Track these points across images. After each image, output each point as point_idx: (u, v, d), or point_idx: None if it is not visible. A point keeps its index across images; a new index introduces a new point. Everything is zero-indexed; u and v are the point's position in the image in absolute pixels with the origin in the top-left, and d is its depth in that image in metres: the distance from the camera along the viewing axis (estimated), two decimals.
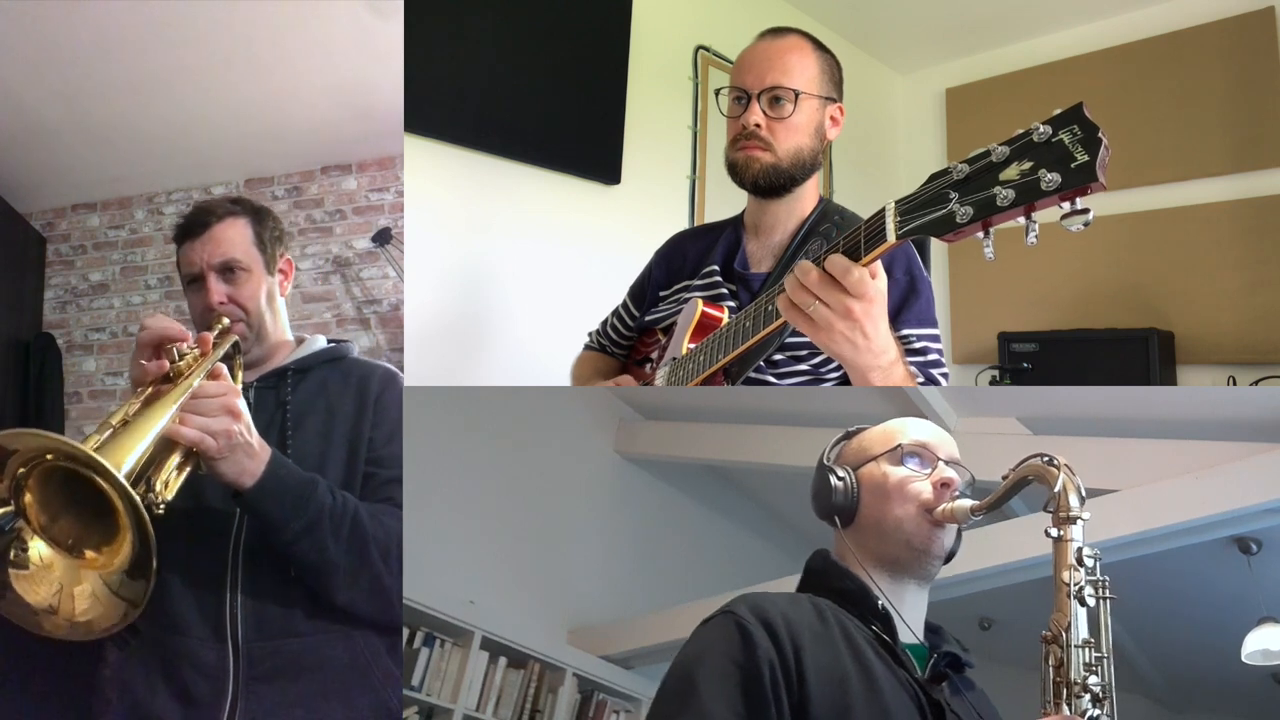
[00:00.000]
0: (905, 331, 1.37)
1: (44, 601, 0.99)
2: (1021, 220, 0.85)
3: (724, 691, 0.81)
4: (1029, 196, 0.82)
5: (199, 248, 1.38)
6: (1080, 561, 0.88)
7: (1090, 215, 0.80)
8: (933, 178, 0.91)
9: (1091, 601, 0.87)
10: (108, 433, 1.03)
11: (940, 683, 0.92)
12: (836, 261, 0.99)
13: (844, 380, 1.41)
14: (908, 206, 0.93)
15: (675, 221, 3.26)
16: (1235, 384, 3.49)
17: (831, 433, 1.09)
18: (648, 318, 1.67)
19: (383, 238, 3.62)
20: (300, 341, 1.48)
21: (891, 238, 0.94)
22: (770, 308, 1.15)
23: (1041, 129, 0.82)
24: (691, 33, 3.39)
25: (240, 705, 1.17)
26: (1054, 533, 0.90)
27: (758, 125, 1.42)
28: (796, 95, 1.42)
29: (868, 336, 1.02)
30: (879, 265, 1.02)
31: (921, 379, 1.34)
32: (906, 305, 1.39)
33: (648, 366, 1.69)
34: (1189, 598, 2.39)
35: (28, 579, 0.99)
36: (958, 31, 4.25)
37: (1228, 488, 1.74)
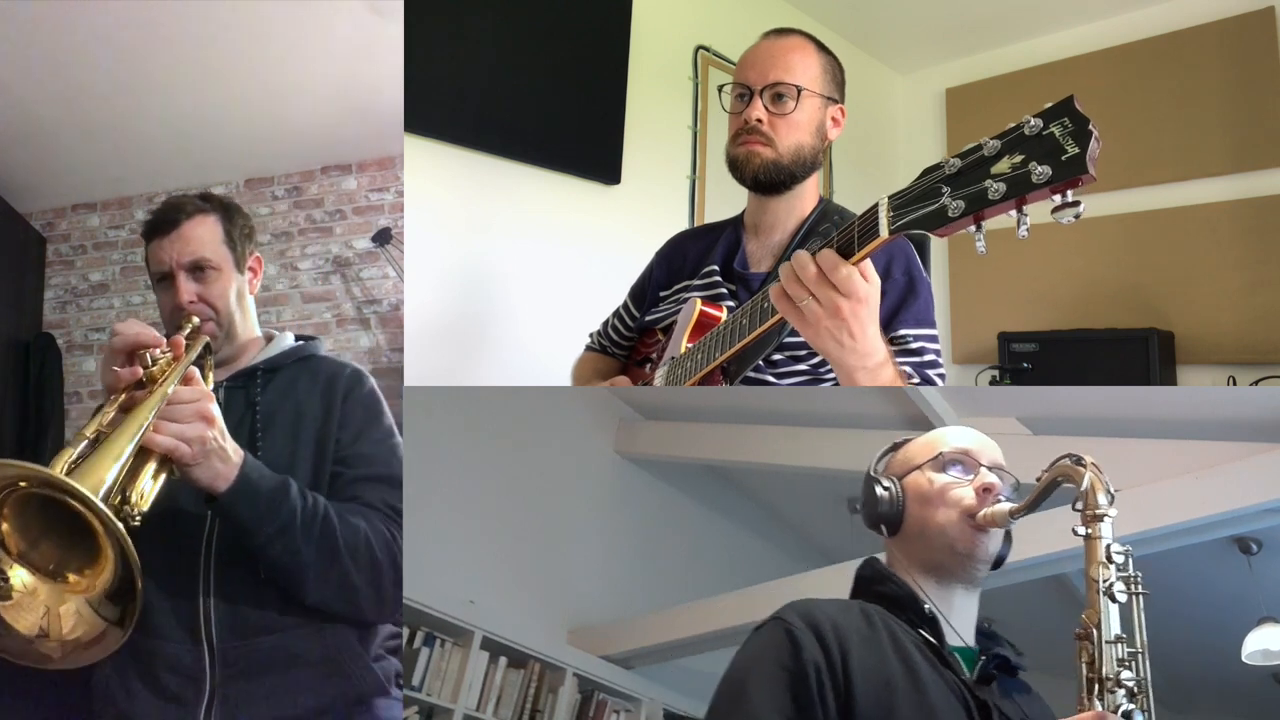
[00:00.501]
0: (903, 332, 1.37)
1: (33, 627, 0.98)
2: (1013, 214, 0.85)
3: (772, 695, 0.84)
4: (1020, 189, 0.82)
5: (168, 246, 1.38)
6: (1109, 558, 0.89)
7: (1081, 208, 0.81)
8: (925, 172, 0.92)
9: (1123, 597, 0.88)
10: (82, 445, 1.03)
11: (988, 684, 0.93)
12: (826, 257, 1.00)
13: None
14: (900, 201, 0.93)
15: (675, 221, 3.26)
16: (1235, 384, 3.49)
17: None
18: (648, 318, 1.67)
19: (383, 238, 3.62)
20: (269, 338, 1.48)
21: (884, 233, 0.94)
22: (766, 305, 1.15)
23: (1032, 122, 0.82)
24: (691, 33, 3.39)
25: (217, 703, 1.19)
26: (1082, 531, 0.91)
27: (759, 120, 1.43)
28: (799, 92, 1.42)
29: (854, 336, 1.03)
30: (870, 267, 1.02)
31: (916, 380, 1.34)
32: (905, 305, 1.39)
33: (648, 367, 1.69)
34: (1189, 598, 2.39)
35: (14, 608, 0.97)
36: (958, 31, 4.25)
37: (1228, 488, 1.75)
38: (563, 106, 2.79)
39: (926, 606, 0.95)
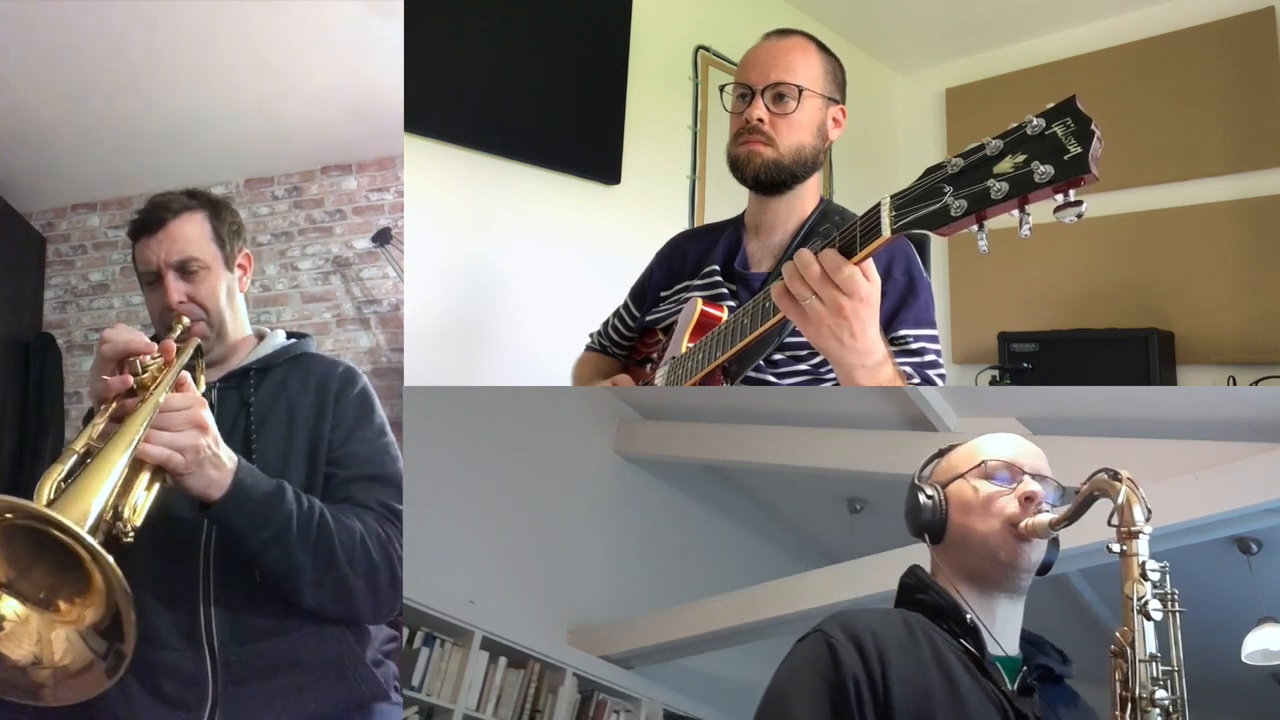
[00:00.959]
0: (903, 332, 1.37)
1: (28, 655, 0.95)
2: (1015, 214, 0.85)
3: (813, 705, 0.85)
4: (1022, 189, 0.82)
5: (155, 245, 1.35)
6: (1145, 575, 0.88)
7: (1083, 207, 0.81)
8: (928, 172, 0.92)
9: (1158, 615, 0.87)
10: (72, 460, 1.00)
11: (1030, 695, 0.93)
12: (829, 256, 1.00)
13: None
14: (902, 201, 0.93)
15: (675, 221, 3.26)
16: (1235, 384, 3.49)
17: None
18: (648, 318, 1.67)
19: (383, 238, 3.62)
20: (261, 337, 1.47)
21: (886, 232, 0.94)
22: (768, 304, 1.15)
23: (1035, 122, 0.82)
24: (691, 33, 3.39)
25: (220, 709, 1.18)
26: (1117, 548, 0.90)
27: (760, 120, 1.43)
28: (800, 91, 1.42)
29: (854, 335, 1.03)
30: (873, 267, 1.02)
31: (917, 379, 1.35)
32: (905, 306, 1.40)
33: (648, 366, 1.69)
34: (1189, 598, 2.39)
35: (7, 639, 0.95)
36: (958, 31, 4.25)
37: (1228, 488, 1.75)
38: (563, 106, 2.79)
39: (968, 616, 0.95)
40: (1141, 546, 0.89)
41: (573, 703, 2.53)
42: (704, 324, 1.46)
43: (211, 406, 1.15)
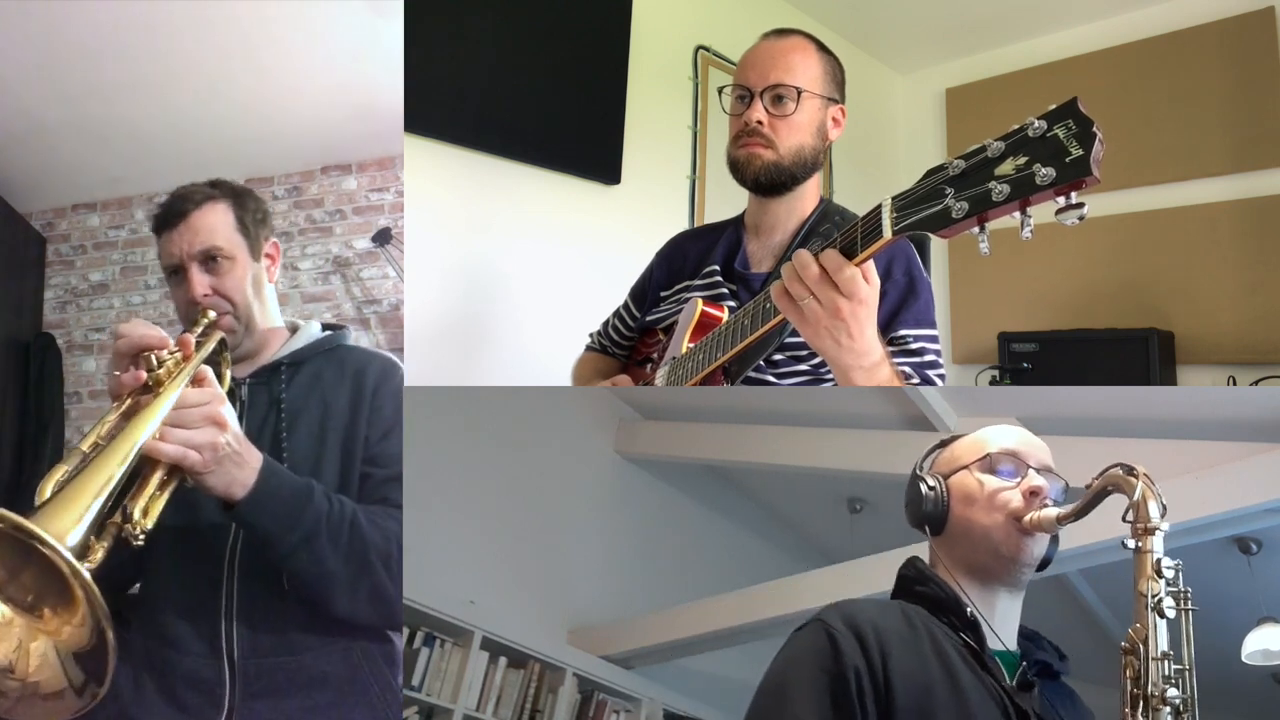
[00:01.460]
0: (903, 332, 1.37)
1: (4, 659, 0.90)
2: (1017, 215, 0.85)
3: (813, 698, 0.84)
4: (1024, 191, 0.82)
5: (177, 237, 1.30)
6: (1159, 572, 0.87)
7: (1085, 209, 0.80)
8: (929, 173, 0.92)
9: (1171, 613, 0.86)
10: (77, 461, 0.97)
11: (1029, 690, 0.92)
12: (830, 257, 1.00)
13: None
14: (904, 202, 0.93)
15: (675, 221, 3.26)
16: (1235, 384, 3.49)
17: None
18: (649, 318, 1.67)
19: (383, 238, 3.62)
20: (294, 329, 1.41)
21: (888, 234, 0.94)
22: (768, 305, 1.15)
23: (1036, 124, 0.82)
24: (691, 33, 3.39)
25: None
26: (1132, 544, 0.89)
27: (760, 122, 1.43)
28: (799, 93, 1.42)
29: (852, 336, 1.03)
30: (872, 268, 1.02)
31: (916, 380, 1.35)
32: (905, 306, 1.39)
33: (648, 367, 1.69)
34: (1189, 598, 2.39)
35: None
36: (958, 31, 4.25)
37: (1228, 488, 1.75)
38: (563, 106, 2.79)
39: (969, 610, 0.94)
40: (1157, 543, 0.88)
41: (573, 703, 2.53)
42: (704, 324, 1.46)
43: (241, 404, 1.12)
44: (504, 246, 2.72)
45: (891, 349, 1.28)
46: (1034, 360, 3.65)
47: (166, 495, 1.02)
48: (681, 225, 3.22)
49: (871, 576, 2.17)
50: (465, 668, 2.26)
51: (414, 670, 2.19)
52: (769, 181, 1.46)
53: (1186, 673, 0.85)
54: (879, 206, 0.96)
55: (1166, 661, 0.85)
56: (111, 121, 3.31)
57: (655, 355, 1.65)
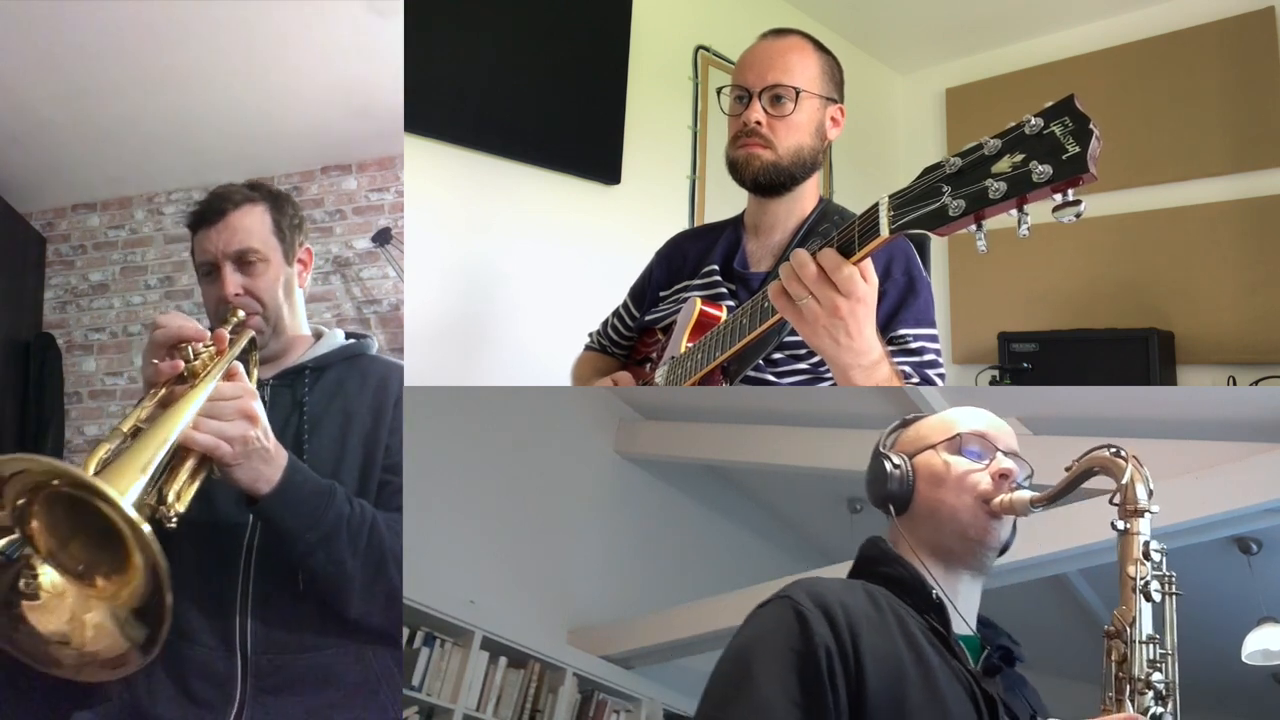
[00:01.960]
0: (903, 331, 1.37)
1: (57, 631, 0.93)
2: (1014, 213, 0.85)
3: (780, 677, 0.80)
4: (1021, 189, 0.82)
5: (214, 236, 1.31)
6: (1147, 555, 0.86)
7: (1082, 207, 0.80)
8: (926, 171, 0.92)
9: (1158, 597, 0.85)
10: (118, 441, 0.98)
11: (993, 675, 0.91)
12: (828, 256, 0.99)
13: None
14: (900, 201, 0.93)
15: (675, 221, 3.26)
16: (1235, 384, 3.49)
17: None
18: (648, 317, 1.67)
19: (383, 238, 3.62)
20: (319, 336, 1.43)
21: (885, 232, 0.94)
22: (766, 304, 1.15)
23: (1033, 121, 0.82)
24: (691, 33, 3.39)
25: (246, 714, 1.16)
26: (1121, 525, 0.88)
27: (758, 123, 1.43)
28: (797, 93, 1.42)
29: (850, 335, 1.03)
30: (870, 266, 1.02)
31: (916, 379, 1.35)
32: (905, 305, 1.39)
33: (648, 366, 1.69)
34: (1189, 598, 2.39)
35: (41, 609, 0.93)
36: (958, 31, 4.25)
37: (1228, 488, 1.75)
38: (563, 106, 2.79)
39: (935, 592, 0.92)
40: (1144, 526, 0.87)
41: (573, 703, 2.53)
42: (703, 323, 1.45)
43: (264, 404, 1.12)
44: (504, 246, 2.72)
45: (891, 348, 1.28)
46: (1034, 360, 3.65)
47: (197, 486, 1.04)
48: (681, 225, 3.22)
49: None
50: (465, 668, 2.26)
51: (414, 670, 2.19)
52: (768, 181, 1.46)
53: (1169, 658, 0.85)
54: (876, 205, 0.96)
55: (1152, 645, 0.84)
56: (111, 121, 3.31)
57: (654, 355, 1.65)
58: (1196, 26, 3.76)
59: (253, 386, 1.13)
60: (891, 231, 0.93)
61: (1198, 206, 3.72)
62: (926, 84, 4.66)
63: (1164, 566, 0.87)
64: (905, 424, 1.07)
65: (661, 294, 1.66)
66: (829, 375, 1.41)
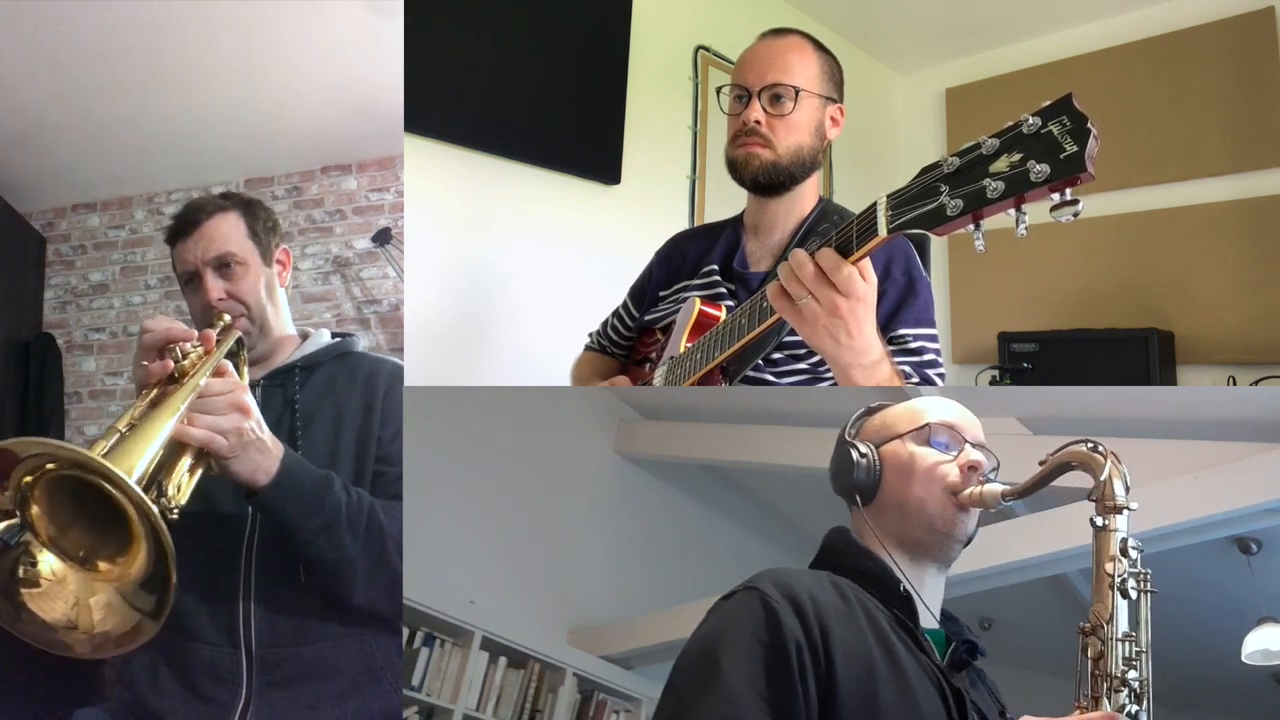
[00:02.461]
0: (902, 331, 1.37)
1: (62, 618, 0.95)
2: (1012, 212, 0.85)
3: (748, 671, 0.77)
4: (1018, 188, 0.82)
5: (192, 245, 1.36)
6: (1124, 552, 0.86)
7: (1080, 206, 0.80)
8: (924, 171, 0.92)
9: (1134, 594, 0.85)
10: (115, 438, 1.00)
11: (960, 670, 0.90)
12: (826, 256, 0.99)
13: None
14: (898, 200, 0.93)
15: (675, 221, 3.26)
16: (1235, 384, 3.49)
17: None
18: (647, 317, 1.67)
19: (383, 238, 3.62)
20: (305, 336, 1.47)
21: (883, 232, 0.94)
22: (765, 304, 1.15)
23: (1031, 121, 0.82)
24: (691, 33, 3.39)
25: (251, 709, 1.17)
26: (1099, 521, 0.87)
27: (758, 122, 1.43)
28: (797, 93, 1.42)
29: (851, 335, 1.02)
30: (869, 266, 1.02)
31: (916, 379, 1.35)
32: (904, 305, 1.39)
33: (647, 366, 1.69)
34: (1189, 598, 2.39)
35: (42, 596, 0.94)
36: (958, 31, 4.25)
37: (1228, 488, 1.74)
38: (563, 106, 2.79)
39: (902, 585, 0.91)
40: (1122, 523, 0.87)
41: (573, 703, 2.53)
42: (702, 323, 1.46)
43: (257, 403, 1.14)
44: (504, 246, 2.72)
45: (891, 348, 1.28)
46: (1034, 360, 3.65)
47: (195, 479, 1.05)
48: (681, 225, 3.22)
49: None
50: (465, 668, 2.26)
51: (414, 670, 2.19)
52: (767, 181, 1.46)
53: (1144, 655, 0.84)
54: (874, 205, 0.96)
55: (1128, 643, 0.84)
56: (111, 121, 3.31)
57: (654, 355, 1.65)
58: (1196, 26, 3.76)
59: (243, 380, 1.17)
60: (889, 231, 0.94)
61: (1198, 206, 3.72)
62: (926, 84, 4.66)
63: (1139, 564, 0.87)
64: (870, 412, 1.05)
65: (661, 294, 1.66)
66: (829, 375, 1.41)
